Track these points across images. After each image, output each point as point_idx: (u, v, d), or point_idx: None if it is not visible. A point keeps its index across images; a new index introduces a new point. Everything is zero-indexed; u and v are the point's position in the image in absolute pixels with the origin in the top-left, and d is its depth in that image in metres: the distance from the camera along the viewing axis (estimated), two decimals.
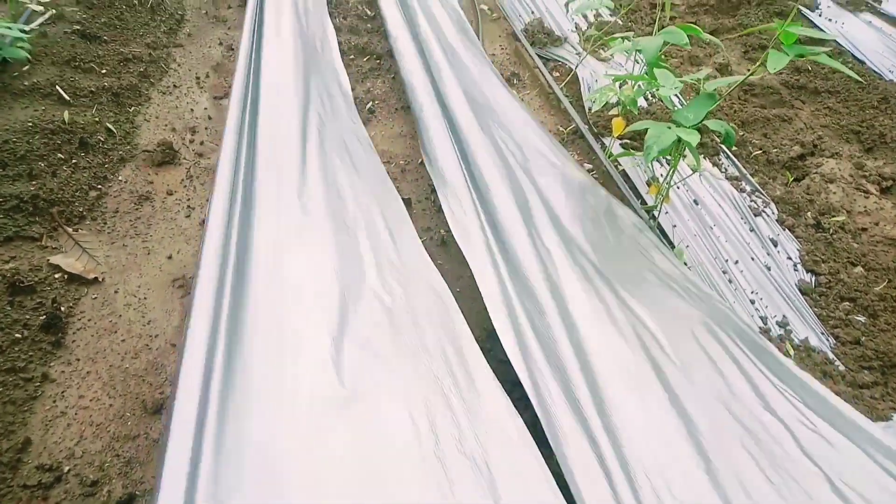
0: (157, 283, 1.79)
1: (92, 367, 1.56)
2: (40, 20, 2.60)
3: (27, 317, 1.60)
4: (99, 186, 2.04)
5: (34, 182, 1.92)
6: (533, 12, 3.40)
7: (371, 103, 2.50)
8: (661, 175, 2.23)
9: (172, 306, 1.73)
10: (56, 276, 1.73)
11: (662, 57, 1.98)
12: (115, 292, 1.74)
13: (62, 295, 1.69)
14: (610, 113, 2.29)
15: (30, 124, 2.07)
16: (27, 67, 2.35)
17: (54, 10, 2.68)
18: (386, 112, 2.49)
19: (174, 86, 2.59)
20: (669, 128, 1.64)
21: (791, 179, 2.46)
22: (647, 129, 1.66)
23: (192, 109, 2.48)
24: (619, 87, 2.09)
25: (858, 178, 2.54)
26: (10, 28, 2.13)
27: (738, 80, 1.69)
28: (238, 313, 1.46)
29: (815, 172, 2.54)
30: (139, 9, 2.93)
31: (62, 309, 1.65)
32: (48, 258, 1.76)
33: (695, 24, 3.78)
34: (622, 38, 2.22)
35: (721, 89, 2.76)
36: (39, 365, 1.53)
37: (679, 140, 1.62)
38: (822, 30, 3.49)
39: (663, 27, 2.13)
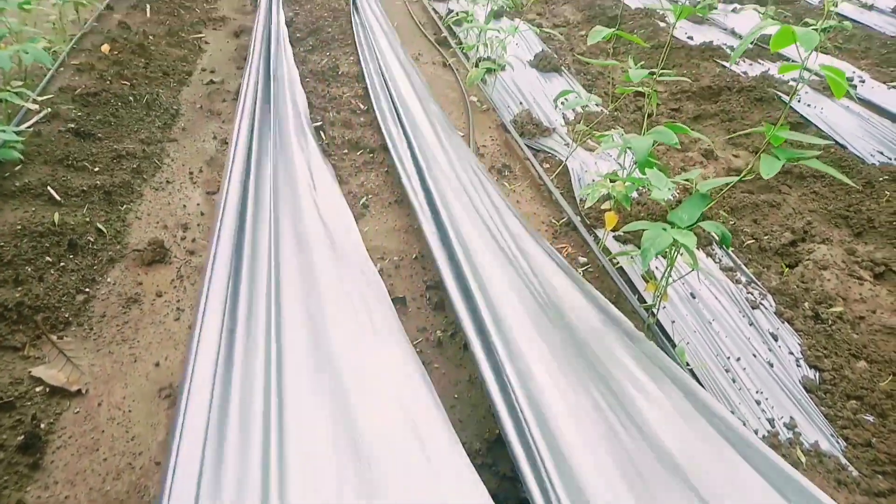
0: (142, 393, 1.72)
1: (71, 490, 1.47)
2: (35, 119, 2.62)
3: (4, 437, 1.52)
4: (87, 290, 1.99)
5: (20, 288, 1.88)
6: (521, 103, 3.49)
7: (365, 198, 2.51)
8: (657, 268, 2.22)
9: (158, 419, 1.66)
10: (37, 389, 1.66)
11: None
12: (99, 405, 1.67)
13: (42, 410, 1.61)
14: (602, 206, 2.30)
15: (19, 227, 2.05)
16: (19, 167, 2.36)
17: (49, 109, 2.71)
18: (379, 206, 2.50)
19: (167, 181, 2.59)
20: (665, 229, 1.63)
21: (785, 268, 2.46)
22: (642, 230, 1.65)
23: (184, 206, 2.47)
24: (611, 183, 2.11)
25: (851, 265, 2.55)
26: (4, 131, 2.14)
27: (731, 181, 1.71)
28: (224, 430, 1.40)
29: (808, 259, 2.55)
30: (134, 105, 2.98)
31: (42, 426, 1.57)
32: (30, 370, 1.69)
33: (678, 110, 3.91)
34: (610, 135, 2.27)
35: (708, 173, 2.82)
36: (14, 490, 1.44)
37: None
38: (806, 119, 3.61)
39: (650, 115, 2.18)
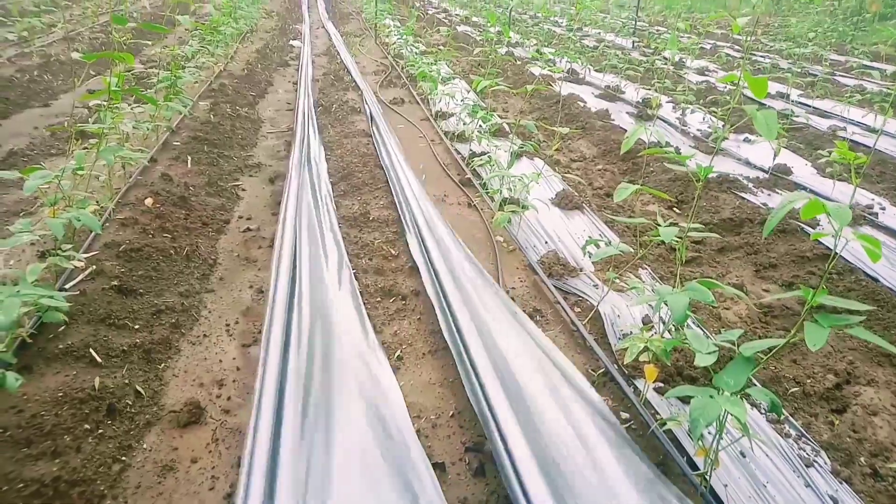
0: None
1: None
2: (80, 277, 2.72)
3: None
4: (123, 458, 1.97)
5: (57, 461, 1.86)
6: (546, 242, 3.57)
7: (399, 349, 2.51)
8: (709, 432, 2.15)
9: None
10: None
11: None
12: None
13: None
14: (641, 358, 2.28)
15: (60, 394, 2.06)
16: (63, 328, 2.41)
17: (94, 266, 2.82)
18: (414, 357, 2.49)
19: (204, 335, 2.63)
20: (712, 396, 1.60)
21: (833, 415, 2.37)
22: (689, 396, 1.62)
23: (220, 360, 2.49)
24: (648, 336, 2.10)
25: None
26: (52, 297, 2.22)
27: (777, 345, 1.69)
28: None
29: (856, 404, 2.46)
30: (175, 257, 3.09)
31: None
32: None
33: (700, 242, 3.96)
34: (642, 285, 2.29)
35: (735, 310, 2.80)
36: None
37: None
38: (831, 250, 3.62)
39: (682, 263, 2.19)
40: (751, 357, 1.71)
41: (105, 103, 3.09)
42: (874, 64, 10.34)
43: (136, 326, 2.54)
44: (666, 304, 1.94)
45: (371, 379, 2.24)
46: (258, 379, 2.18)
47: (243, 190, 4.15)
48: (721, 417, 1.74)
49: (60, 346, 2.31)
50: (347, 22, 13.43)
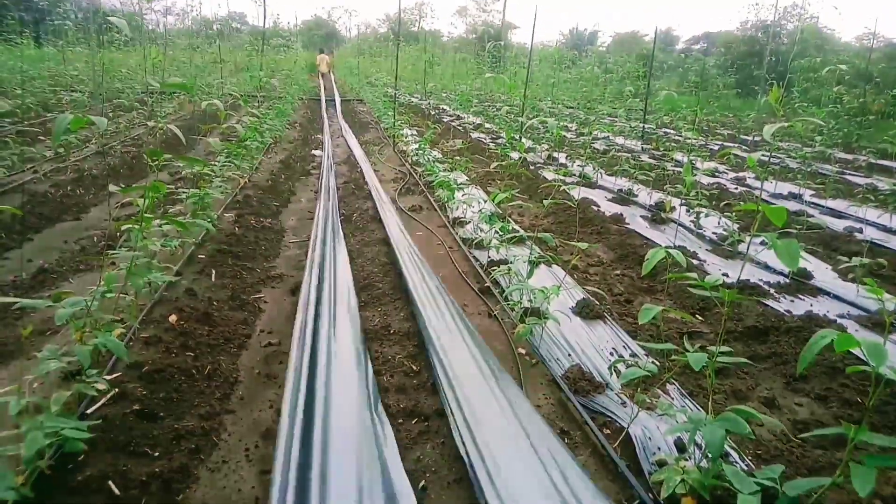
0: None
1: None
2: (102, 402, 2.71)
3: None
4: None
5: None
6: (569, 355, 3.52)
7: (423, 479, 2.43)
8: None
9: None
10: None
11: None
12: None
13: None
14: (677, 490, 2.18)
15: None
16: (82, 457, 2.38)
17: (117, 389, 2.81)
18: (438, 488, 2.41)
19: (223, 461, 2.57)
20: None
21: None
22: None
23: (239, 489, 2.42)
24: (684, 468, 2.02)
25: None
26: (74, 428, 2.20)
27: (825, 483, 1.61)
28: None
29: None
30: (196, 377, 3.08)
31: None
32: None
33: (726, 353, 3.88)
34: (673, 410, 2.23)
35: (768, 427, 2.69)
36: None
37: None
38: (867, 363, 3.53)
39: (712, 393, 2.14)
40: (796, 497, 1.63)
41: (136, 226, 3.20)
42: (883, 162, 10.52)
43: (156, 454, 2.49)
44: (700, 433, 1.88)
45: None
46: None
47: (265, 302, 4.19)
48: None
49: (79, 478, 2.26)
50: (366, 131, 14.03)
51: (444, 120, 16.28)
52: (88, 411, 2.65)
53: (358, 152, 10.31)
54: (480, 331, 3.70)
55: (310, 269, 4.53)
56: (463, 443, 2.50)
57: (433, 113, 18.04)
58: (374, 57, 32.80)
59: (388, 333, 3.67)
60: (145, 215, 3.13)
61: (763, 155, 10.66)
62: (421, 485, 2.39)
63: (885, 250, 5.72)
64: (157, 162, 3.09)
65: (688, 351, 2.12)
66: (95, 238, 5.23)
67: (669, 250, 2.27)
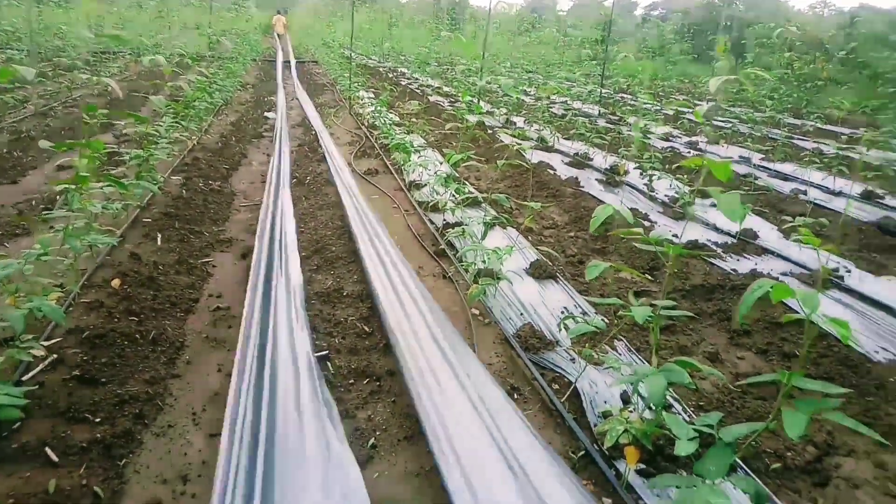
0: None
1: None
2: (39, 368, 2.61)
3: None
4: None
5: None
6: (522, 314, 3.55)
7: (373, 437, 2.43)
8: None
9: None
10: None
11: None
12: None
13: None
14: (621, 440, 2.23)
15: (11, 501, 1.94)
16: (18, 424, 2.30)
17: (55, 355, 2.72)
18: (388, 444, 2.41)
19: (168, 426, 2.52)
20: (696, 486, 1.56)
21: (815, 491, 2.33)
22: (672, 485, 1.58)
23: (185, 453, 2.37)
24: (628, 420, 2.06)
25: (883, 480, 2.44)
26: (7, 394, 2.12)
27: (757, 429, 1.66)
28: None
29: (837, 476, 2.44)
30: (140, 342, 2.99)
31: None
32: None
33: (675, 307, 3.97)
34: (619, 363, 2.27)
35: (712, 380, 2.77)
36: None
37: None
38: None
39: (657, 350, 2.19)
40: (732, 442, 1.68)
41: (73, 187, 3.05)
42: (829, 127, 10.82)
43: (97, 420, 2.42)
44: (643, 384, 1.92)
45: (340, 479, 2.15)
46: (220, 475, 2.08)
47: (214, 266, 4.09)
48: None
49: (14, 446, 2.19)
50: (322, 93, 13.71)
51: (403, 83, 16.02)
52: (24, 378, 2.56)
53: (313, 115, 10.08)
54: (434, 292, 3.69)
55: (261, 232, 4.43)
56: (414, 401, 2.51)
57: (391, 76, 17.73)
58: (331, 18, 31.91)
59: (341, 296, 3.63)
60: (84, 175, 2.98)
61: (717, 119, 10.84)
62: (370, 442, 2.39)
63: (827, 211, 5.92)
64: (95, 120, 2.94)
65: (631, 305, 2.15)
66: (34, 202, 4.99)
67: (616, 207, 2.28)
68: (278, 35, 26.32)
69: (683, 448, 1.67)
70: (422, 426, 2.35)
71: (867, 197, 6.43)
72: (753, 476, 2.31)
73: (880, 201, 6.34)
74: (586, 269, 2.35)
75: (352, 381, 2.81)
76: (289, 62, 19.63)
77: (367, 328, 3.26)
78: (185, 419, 2.57)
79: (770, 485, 2.31)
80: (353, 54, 15.05)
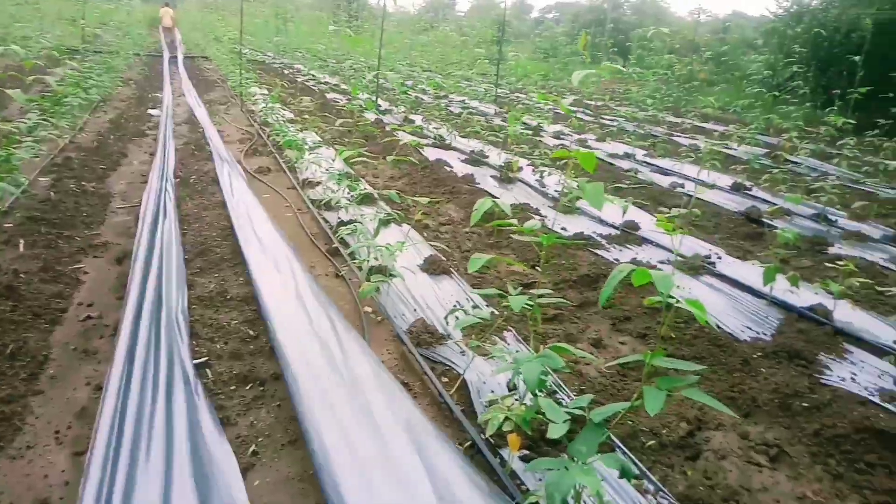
0: None
1: None
2: None
3: None
4: None
5: None
6: (415, 310, 3.55)
7: (254, 443, 2.34)
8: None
9: None
10: None
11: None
12: None
13: None
14: (504, 428, 2.27)
15: None
16: None
17: None
18: (271, 450, 2.33)
19: (27, 446, 2.31)
20: (567, 467, 1.61)
21: (687, 463, 2.48)
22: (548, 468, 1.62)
23: (46, 475, 2.18)
24: (508, 408, 2.10)
25: (747, 450, 2.63)
26: None
27: (622, 408, 1.74)
28: None
29: (707, 449, 2.60)
30: None
31: None
32: None
33: (564, 298, 4.12)
34: (503, 353, 2.31)
35: (600, 367, 2.90)
36: None
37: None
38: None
39: (538, 334, 2.25)
40: (601, 422, 1.75)
41: None
42: (705, 125, 11.61)
43: None
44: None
45: (219, 488, 2.06)
46: (84, 496, 1.93)
47: (86, 273, 3.80)
48: (578, 488, 1.75)
49: None
50: (212, 90, 13.13)
51: (299, 80, 15.64)
52: None
53: (201, 112, 9.63)
54: (327, 291, 3.62)
55: (139, 235, 4.17)
56: (300, 404, 2.44)
57: (286, 72, 17.27)
58: (221, 11, 30.63)
59: (225, 299, 3.48)
60: None
61: (604, 118, 11.36)
62: (251, 449, 2.30)
63: (701, 202, 6.34)
64: None
65: (510, 295, 2.20)
66: None
67: (496, 199, 2.32)
68: (166, 29, 25.02)
69: (556, 431, 1.73)
70: (305, 429, 2.29)
71: (737, 188, 6.95)
72: (630, 454, 2.43)
73: (748, 192, 6.87)
74: (469, 262, 2.37)
75: (233, 387, 2.69)
76: (176, 57, 18.64)
77: (251, 331, 3.14)
78: (47, 438, 2.37)
79: (645, 461, 2.43)
80: (246, 49, 14.51)
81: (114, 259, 4.03)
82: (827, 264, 4.36)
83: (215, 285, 3.64)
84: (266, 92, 11.44)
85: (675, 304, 1.78)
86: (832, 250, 5.09)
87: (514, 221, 2.26)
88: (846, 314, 3.79)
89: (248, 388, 2.69)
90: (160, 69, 15.84)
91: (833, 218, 5.96)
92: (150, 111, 9.82)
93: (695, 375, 1.70)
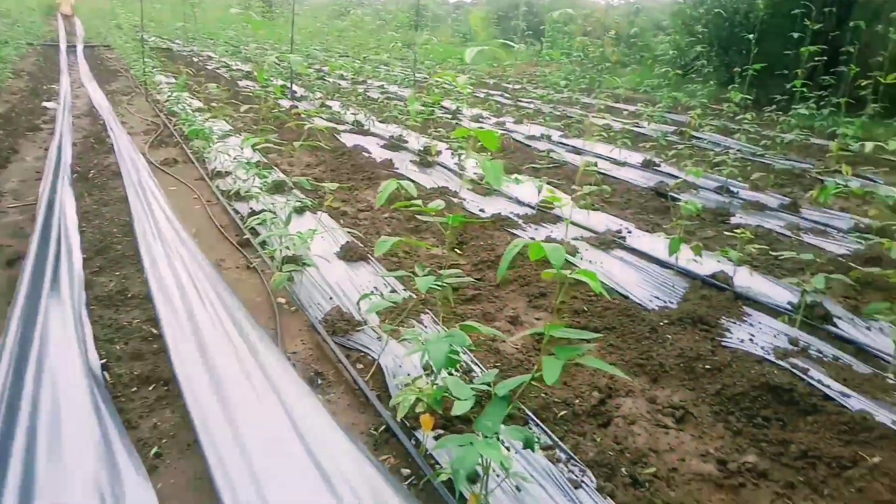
0: None
1: None
2: None
3: None
4: None
5: None
6: (331, 298, 3.49)
7: (158, 445, 2.24)
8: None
9: None
10: None
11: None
12: None
13: None
14: (417, 409, 2.26)
15: None
16: None
17: None
18: (176, 451, 2.23)
19: None
20: (472, 443, 1.61)
21: (598, 429, 2.55)
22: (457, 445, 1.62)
23: None
24: (419, 389, 2.09)
25: (655, 413, 2.74)
26: None
27: (524, 380, 1.76)
28: None
29: (617, 415, 2.69)
30: None
31: None
32: None
33: (481, 279, 4.16)
34: (416, 335, 2.30)
35: (516, 343, 2.94)
36: None
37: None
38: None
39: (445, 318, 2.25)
40: (506, 396, 1.76)
41: None
42: (617, 105, 11.96)
43: None
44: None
45: (121, 493, 1.96)
46: None
47: None
48: (485, 462, 1.76)
49: None
50: (115, 80, 12.42)
51: (210, 67, 15.02)
52: None
53: (103, 103, 9.10)
54: (238, 284, 3.50)
55: (33, 235, 3.90)
56: (195, 403, 2.34)
57: (196, 60, 16.54)
58: None
59: (126, 298, 3.30)
60: None
61: (521, 101, 11.51)
62: (154, 451, 2.20)
63: (614, 179, 6.54)
64: None
65: (418, 276, 2.18)
66: None
67: (400, 181, 2.30)
68: (64, 16, 23.49)
69: (461, 407, 1.73)
70: (200, 428, 2.20)
71: (647, 165, 7.20)
72: (543, 426, 2.48)
73: (657, 168, 7.14)
74: (376, 246, 2.34)
75: (135, 388, 2.56)
76: (75, 47, 17.52)
77: (154, 330, 2.99)
78: None
79: (558, 431, 2.48)
80: (152, 37, 13.79)
81: (4, 262, 3.75)
82: (728, 233, 4.58)
83: (115, 284, 3.45)
84: (173, 80, 10.92)
85: (589, 278, 1.80)
86: (734, 220, 5.36)
87: (419, 202, 2.25)
88: (745, 279, 4.00)
89: (150, 388, 2.57)
90: (57, 59, 14.84)
91: (735, 189, 6.28)
92: (45, 104, 9.17)
93: (590, 343, 1.74)
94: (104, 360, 2.69)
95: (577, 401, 2.73)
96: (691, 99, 9.73)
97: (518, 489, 2.09)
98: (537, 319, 3.53)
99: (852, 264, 4.25)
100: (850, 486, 2.27)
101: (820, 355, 3.20)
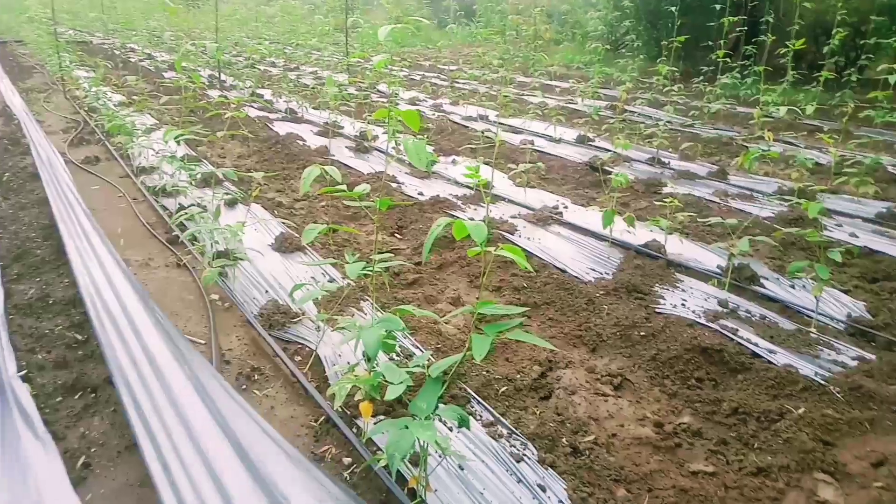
0: None
1: None
2: None
3: None
4: None
5: None
6: (267, 291, 3.41)
7: (86, 454, 2.14)
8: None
9: None
10: None
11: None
12: None
13: None
14: (357, 397, 2.24)
15: None
16: None
17: None
18: (106, 459, 2.14)
19: None
20: (407, 426, 1.60)
21: (539, 403, 2.59)
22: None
23: None
24: (356, 376, 2.07)
25: (594, 383, 2.79)
26: None
27: (457, 360, 1.75)
28: None
29: (558, 387, 2.73)
30: None
31: None
32: None
33: (420, 263, 4.14)
34: (353, 322, 2.27)
35: (454, 322, 2.95)
36: None
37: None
38: (528, 252, 4.02)
39: (402, 294, 2.22)
40: (439, 377, 1.76)
41: None
42: (551, 82, 12.07)
43: None
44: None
45: None
46: None
47: None
48: (422, 444, 1.76)
49: None
50: (29, 77, 11.76)
51: (133, 60, 14.37)
52: None
53: (16, 101, 8.60)
54: (166, 283, 3.38)
55: None
56: (134, 409, 2.25)
57: (117, 53, 15.80)
58: None
59: (48, 305, 3.14)
60: None
61: (458, 83, 11.48)
62: (81, 461, 2.10)
63: (550, 156, 6.61)
64: None
65: (347, 264, 2.15)
66: None
67: (325, 167, 2.24)
68: None
69: (393, 392, 1.72)
70: (136, 434, 2.12)
71: (581, 141, 7.30)
72: (485, 403, 2.49)
73: (591, 143, 7.25)
74: (303, 234, 2.28)
75: (60, 397, 2.44)
76: None
77: (79, 336, 2.86)
78: None
79: (500, 407, 2.50)
80: (69, 31, 13.07)
81: None
82: (660, 203, 4.70)
83: (36, 290, 3.27)
84: (94, 75, 10.40)
85: (514, 254, 1.80)
86: (666, 190, 5.50)
87: (343, 187, 2.20)
88: (677, 247, 4.12)
89: (77, 396, 2.45)
90: None
91: (665, 160, 6.44)
92: None
93: (518, 318, 1.75)
94: (24, 372, 2.55)
95: (518, 376, 2.76)
96: (622, 74, 9.90)
97: (461, 468, 2.10)
98: (477, 299, 3.54)
99: (776, 226, 4.42)
100: (777, 438, 2.37)
101: (748, 315, 3.33)
